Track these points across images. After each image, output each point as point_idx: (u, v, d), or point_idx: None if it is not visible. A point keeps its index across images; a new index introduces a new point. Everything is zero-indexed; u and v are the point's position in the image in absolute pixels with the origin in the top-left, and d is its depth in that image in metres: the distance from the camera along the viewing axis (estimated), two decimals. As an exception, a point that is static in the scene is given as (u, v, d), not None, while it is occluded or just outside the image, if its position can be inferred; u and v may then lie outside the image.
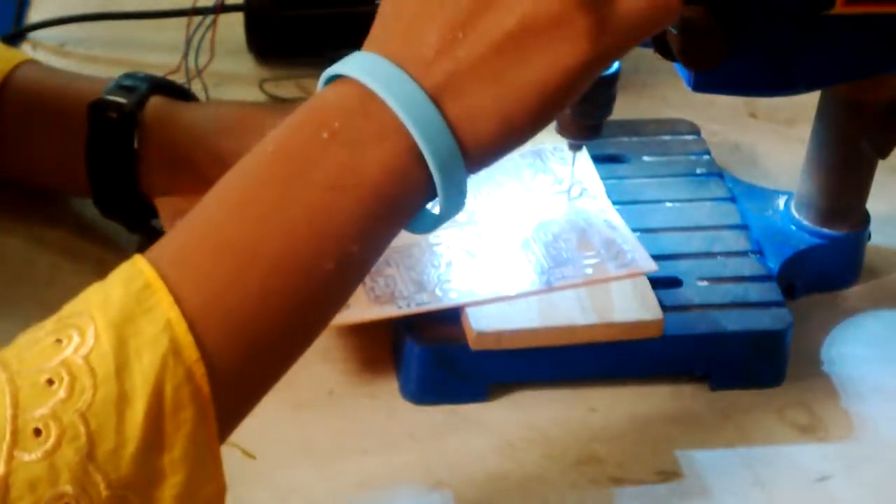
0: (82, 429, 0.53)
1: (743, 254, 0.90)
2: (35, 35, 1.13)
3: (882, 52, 0.78)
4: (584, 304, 0.83)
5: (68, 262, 0.91)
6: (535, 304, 0.83)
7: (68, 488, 0.53)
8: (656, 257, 0.86)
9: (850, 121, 0.87)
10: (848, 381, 0.87)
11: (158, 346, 0.55)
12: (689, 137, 1.00)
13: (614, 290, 0.84)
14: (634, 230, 0.88)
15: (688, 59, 0.74)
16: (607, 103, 0.82)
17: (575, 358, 0.84)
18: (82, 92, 0.90)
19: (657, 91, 1.09)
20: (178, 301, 0.56)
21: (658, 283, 0.86)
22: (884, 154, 0.87)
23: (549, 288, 0.83)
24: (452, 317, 0.82)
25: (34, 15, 1.16)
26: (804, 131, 0.92)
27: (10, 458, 0.53)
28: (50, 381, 0.54)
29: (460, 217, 0.88)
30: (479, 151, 0.60)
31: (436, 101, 0.58)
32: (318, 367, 0.84)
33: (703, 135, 1.01)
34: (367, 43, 0.61)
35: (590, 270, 0.84)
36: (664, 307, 0.84)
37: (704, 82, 0.77)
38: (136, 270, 0.57)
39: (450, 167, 0.59)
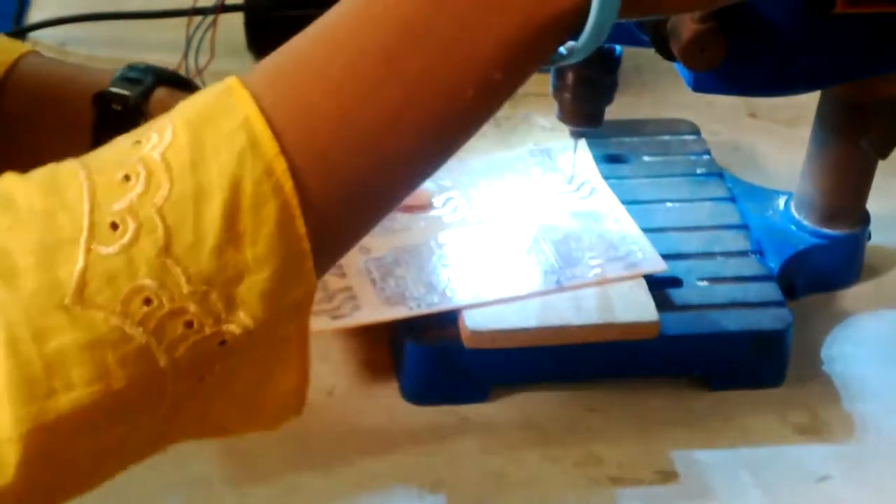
0: (159, 223, 0.53)
1: (743, 254, 0.90)
2: (35, 35, 1.13)
3: (882, 52, 0.78)
4: (579, 304, 0.83)
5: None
6: (531, 303, 0.83)
7: (147, 282, 0.52)
8: (656, 257, 0.86)
9: (850, 121, 0.87)
10: (849, 382, 0.87)
11: (236, 141, 0.54)
12: (689, 137, 1.00)
13: (611, 291, 0.84)
14: (635, 230, 0.88)
15: (688, 59, 0.74)
16: (609, 89, 0.82)
17: (575, 358, 0.84)
18: (87, 83, 0.90)
19: (657, 91, 1.09)
20: (258, 102, 0.56)
21: (658, 283, 0.85)
22: (884, 154, 0.87)
23: (560, 288, 0.83)
24: (452, 317, 0.82)
25: (34, 15, 1.16)
26: (804, 131, 0.92)
27: (88, 251, 0.52)
28: (127, 177, 0.53)
29: (469, 217, 0.88)
30: None
31: None
32: (318, 368, 0.84)
33: (703, 135, 1.00)
34: None
35: (599, 270, 0.84)
36: (663, 307, 0.84)
37: (704, 82, 0.77)
38: (223, 83, 0.57)
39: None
